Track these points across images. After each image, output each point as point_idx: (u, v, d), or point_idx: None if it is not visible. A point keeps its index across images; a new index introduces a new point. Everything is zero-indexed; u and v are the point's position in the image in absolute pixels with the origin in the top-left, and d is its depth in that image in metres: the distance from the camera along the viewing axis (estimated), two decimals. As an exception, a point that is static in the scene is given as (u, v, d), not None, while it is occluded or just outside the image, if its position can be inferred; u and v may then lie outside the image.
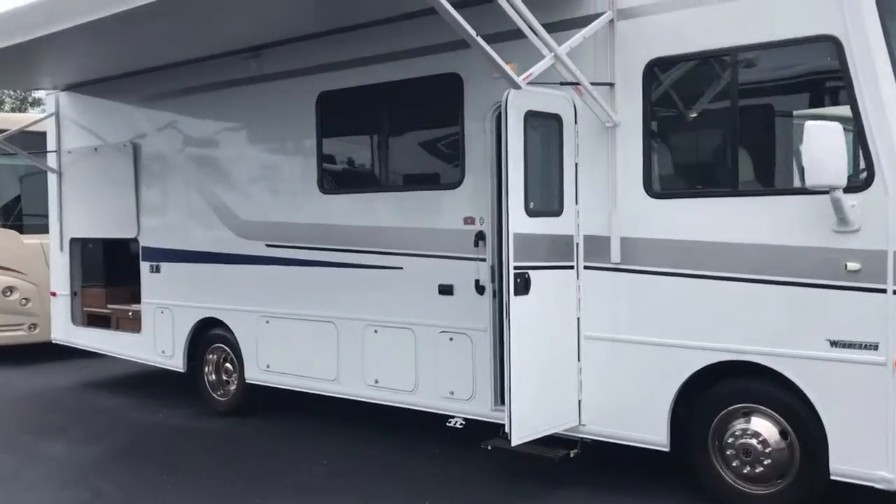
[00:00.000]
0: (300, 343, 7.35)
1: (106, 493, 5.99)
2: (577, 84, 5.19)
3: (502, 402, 6.04)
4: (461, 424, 6.31)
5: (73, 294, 9.76)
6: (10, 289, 11.36)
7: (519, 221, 5.17)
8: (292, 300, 7.39)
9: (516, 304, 5.14)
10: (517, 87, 4.87)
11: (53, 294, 9.99)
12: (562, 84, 5.21)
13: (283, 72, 7.37)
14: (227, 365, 8.26)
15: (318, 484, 6.09)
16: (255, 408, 8.11)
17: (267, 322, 7.61)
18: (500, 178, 5.75)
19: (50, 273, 10.08)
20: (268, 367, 7.63)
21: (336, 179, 7.24)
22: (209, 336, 8.28)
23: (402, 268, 6.60)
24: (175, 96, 8.33)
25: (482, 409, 6.17)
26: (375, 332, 6.79)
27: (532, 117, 5.24)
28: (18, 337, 11.43)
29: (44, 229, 11.67)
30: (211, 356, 8.35)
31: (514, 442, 5.21)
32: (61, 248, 9.79)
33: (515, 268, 5.15)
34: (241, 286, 7.81)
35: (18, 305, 11.38)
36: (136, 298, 9.54)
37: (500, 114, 5.89)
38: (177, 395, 8.99)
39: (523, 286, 5.19)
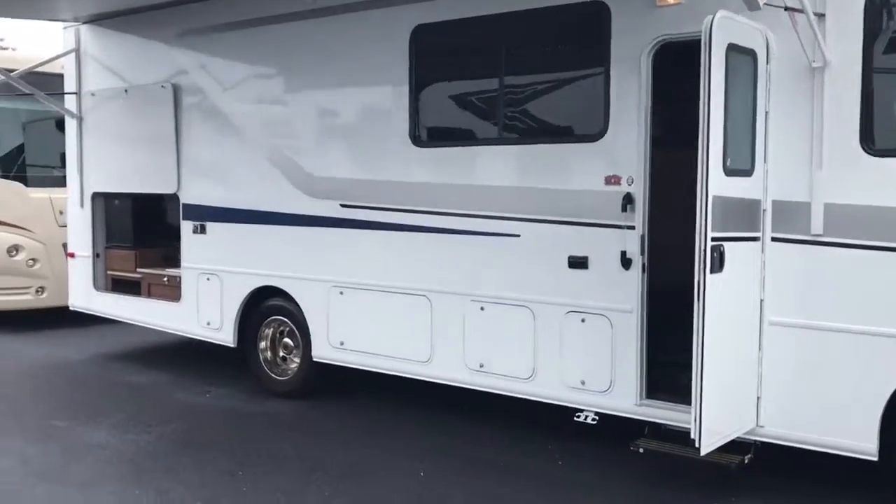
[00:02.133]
0: (383, 318, 6.36)
1: (179, 495, 5.01)
2: (797, 10, 4.19)
3: (649, 396, 5.17)
4: (594, 420, 5.40)
5: (96, 256, 8.64)
6: (16, 248, 10.20)
7: (718, 182, 4.21)
8: (374, 269, 6.38)
9: (711, 284, 4.20)
10: (756, 6, 3.86)
11: (71, 255, 8.87)
12: (786, 9, 4.21)
13: (368, 0, 6.28)
14: (287, 340, 7.25)
15: (432, 486, 5.15)
16: (321, 389, 7.14)
17: (341, 293, 6.61)
18: (652, 129, 4.80)
19: (67, 232, 8.93)
20: (341, 344, 6.64)
21: (434, 130, 6.18)
22: (265, 307, 7.26)
23: (518, 235, 5.61)
24: (229, 30, 7.18)
25: (622, 402, 5.25)
26: (482, 308, 5.82)
27: (732, 52, 4.26)
28: (25, 301, 10.30)
29: (52, 182, 10.59)
30: (266, 330, 7.34)
31: (704, 450, 4.30)
32: (81, 204, 8.64)
33: (712, 239, 4.19)
34: (309, 251, 6.78)
35: (25, 266, 10.23)
36: (169, 262, 8.51)
37: (657, 50, 4.94)
38: (218, 371, 7.98)
39: (718, 261, 4.25)
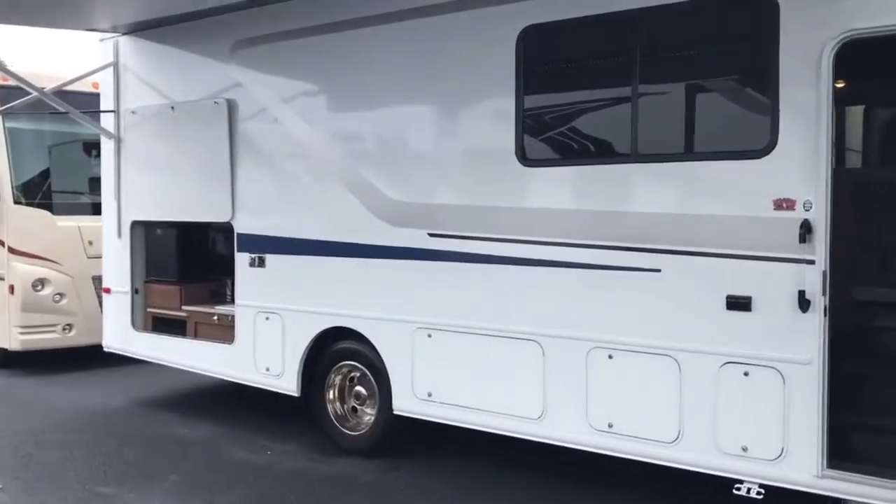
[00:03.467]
0: (482, 366, 5.46)
1: None
2: None
3: (831, 466, 4.24)
4: (759, 493, 4.47)
5: (135, 291, 7.77)
6: (42, 282, 9.34)
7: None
8: (470, 309, 5.49)
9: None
10: None
11: (107, 291, 7.99)
12: None
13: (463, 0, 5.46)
14: (359, 388, 6.35)
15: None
16: (399, 447, 6.23)
17: (429, 336, 5.71)
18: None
19: (102, 264, 8.06)
20: (429, 395, 5.73)
21: (545, 147, 5.31)
22: (334, 351, 6.36)
23: (658, 270, 4.72)
24: (294, 37, 6.35)
25: (797, 474, 4.32)
26: (610, 357, 4.91)
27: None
28: (51, 340, 9.42)
29: (80, 209, 9.78)
30: (335, 377, 6.44)
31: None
32: (119, 234, 7.78)
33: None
34: (390, 287, 5.89)
35: (51, 302, 9.37)
36: (216, 298, 7.65)
37: (840, 48, 4.08)
38: (274, 422, 7.07)
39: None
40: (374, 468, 5.95)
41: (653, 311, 4.75)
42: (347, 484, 5.67)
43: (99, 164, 9.75)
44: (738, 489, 4.51)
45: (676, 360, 4.66)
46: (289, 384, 6.52)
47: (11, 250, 9.29)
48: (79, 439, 6.76)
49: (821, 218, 4.18)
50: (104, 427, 7.14)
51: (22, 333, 9.26)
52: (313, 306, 6.34)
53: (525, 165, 5.22)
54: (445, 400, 5.66)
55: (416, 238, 5.72)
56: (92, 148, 9.90)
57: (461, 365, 5.56)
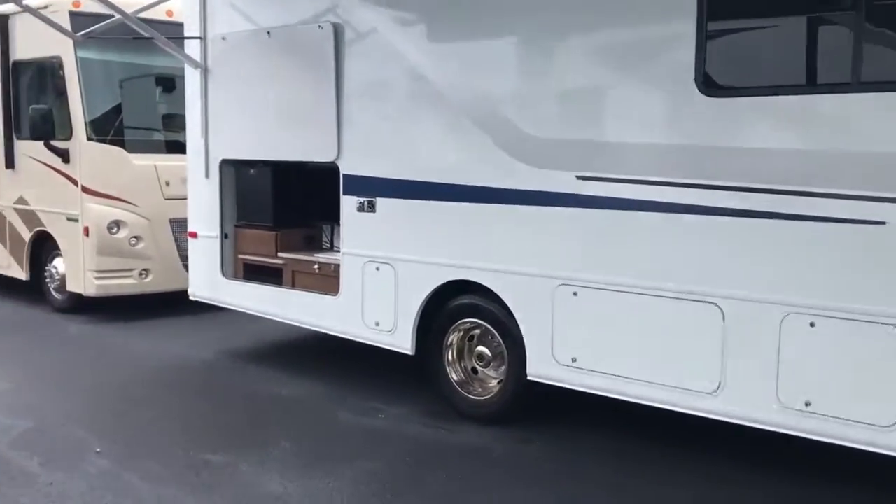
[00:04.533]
0: (640, 331, 4.74)
1: None
2: None
3: None
4: None
5: (224, 236, 7.16)
6: (117, 223, 8.79)
7: None
8: (628, 264, 4.75)
9: None
10: None
11: (193, 235, 7.39)
12: None
13: None
14: (482, 349, 5.68)
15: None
16: (527, 415, 5.58)
17: (574, 294, 4.99)
18: None
19: (188, 207, 7.45)
20: (573, 361, 5.04)
21: (734, 72, 4.49)
22: (455, 307, 5.69)
23: (883, 223, 3.92)
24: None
25: None
26: (811, 325, 4.15)
27: None
28: (127, 286, 8.90)
29: (154, 147, 9.20)
30: (453, 336, 5.79)
31: None
32: (206, 174, 7.14)
33: None
34: (527, 237, 5.16)
35: (127, 245, 8.83)
36: (313, 245, 7.03)
37: None
38: (379, 381, 6.47)
39: None
40: (505, 439, 5.31)
41: (872, 273, 3.96)
42: (481, 458, 5.04)
43: (173, 100, 9.21)
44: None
45: (901, 332, 3.90)
46: (402, 341, 5.88)
47: (85, 190, 8.74)
48: (171, 396, 6.22)
49: None
50: (196, 383, 6.60)
51: (98, 278, 8.76)
52: (432, 256, 5.66)
53: (705, 94, 4.41)
54: (593, 367, 4.96)
55: (562, 181, 4.97)
56: (166, 82, 9.29)
57: (614, 328, 4.85)
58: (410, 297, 5.80)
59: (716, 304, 4.44)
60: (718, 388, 4.47)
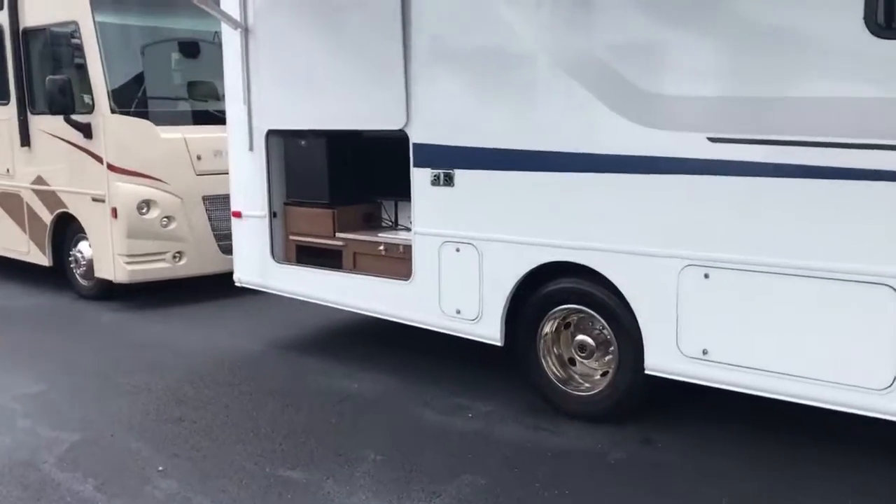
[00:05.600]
0: (789, 318, 4.05)
1: None
2: None
3: None
4: None
5: (273, 215, 6.47)
6: (147, 203, 8.10)
7: None
8: (775, 240, 4.06)
9: None
10: None
11: (237, 215, 6.69)
12: None
13: None
14: (583, 338, 5.03)
15: None
16: (646, 411, 4.94)
17: (706, 276, 4.30)
18: None
19: (230, 183, 6.74)
20: (704, 353, 4.37)
21: None
22: (551, 292, 5.01)
23: None
24: None
25: None
26: None
27: None
28: (160, 270, 8.25)
29: (182, 119, 8.51)
30: (549, 324, 5.12)
31: None
32: (251, 146, 6.43)
33: None
34: (643, 211, 4.47)
35: (159, 226, 8.15)
36: (373, 224, 6.35)
37: None
38: (460, 374, 5.83)
39: None
40: (622, 440, 4.67)
41: None
42: (598, 464, 4.40)
43: (200, 66, 8.50)
44: None
45: None
46: (489, 330, 5.22)
47: (111, 167, 8.04)
48: (229, 396, 5.58)
49: None
50: (253, 379, 5.95)
51: (129, 263, 8.10)
52: (524, 235, 4.97)
53: (881, 37, 3.68)
54: (730, 360, 4.29)
55: (690, 144, 4.26)
56: (192, 46, 8.54)
57: (756, 315, 4.16)
58: (498, 282, 5.13)
59: (888, 286, 3.76)
60: (892, 384, 3.81)
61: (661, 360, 4.54)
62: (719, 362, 4.32)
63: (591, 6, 4.56)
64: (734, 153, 4.13)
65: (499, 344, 5.22)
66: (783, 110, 3.99)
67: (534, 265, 4.97)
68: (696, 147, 4.23)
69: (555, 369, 5.13)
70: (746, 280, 4.16)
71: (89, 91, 8.01)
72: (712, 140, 4.19)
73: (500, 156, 5.01)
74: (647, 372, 4.61)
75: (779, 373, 4.12)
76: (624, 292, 4.64)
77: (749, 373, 4.23)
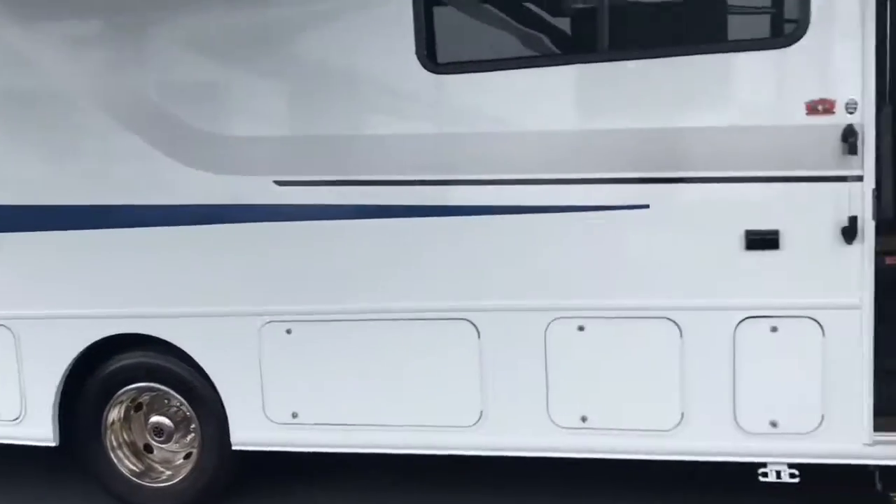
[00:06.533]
0: (377, 364, 3.83)
1: None
2: None
3: (889, 428, 3.47)
4: (794, 476, 3.55)
5: None
6: None
7: None
8: (354, 284, 3.81)
9: None
10: None
11: None
12: None
13: None
14: (159, 420, 4.28)
15: None
16: (238, 494, 4.34)
17: (288, 332, 3.90)
18: None
19: None
20: (294, 416, 3.94)
21: (463, 44, 3.75)
22: (113, 372, 4.20)
23: (647, 206, 3.51)
24: None
25: (841, 445, 3.47)
26: (580, 329, 3.63)
27: None
28: None
29: None
30: (114, 412, 4.29)
31: None
32: None
33: None
34: (214, 267, 3.94)
35: None
36: None
37: None
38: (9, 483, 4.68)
39: None
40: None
41: (643, 261, 3.54)
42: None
43: None
44: (765, 475, 3.57)
45: (677, 323, 3.53)
46: (38, 430, 4.23)
47: None
48: None
49: (868, 122, 3.28)
50: None
51: None
52: (74, 307, 4.11)
53: (430, 70, 3.62)
54: (321, 419, 3.93)
55: (256, 189, 3.83)
56: None
57: (345, 367, 3.87)
58: (45, 369, 4.18)
59: (468, 321, 3.71)
60: (480, 418, 3.76)
61: (249, 432, 4.02)
62: (311, 424, 3.94)
63: (139, 45, 3.94)
64: (305, 196, 3.81)
65: (53, 444, 4.25)
66: (349, 150, 3.77)
67: (89, 343, 4.13)
68: (263, 192, 3.83)
69: (129, 462, 4.32)
70: (328, 331, 3.86)
71: None
72: (279, 183, 3.83)
73: (36, 215, 4.09)
74: (234, 447, 4.05)
75: (380, 424, 3.87)
76: (199, 361, 4.04)
77: (344, 430, 3.91)
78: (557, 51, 3.76)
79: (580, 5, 3.66)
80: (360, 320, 3.82)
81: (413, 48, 3.59)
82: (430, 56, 3.62)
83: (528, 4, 3.75)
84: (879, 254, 3.43)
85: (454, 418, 3.78)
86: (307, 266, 3.86)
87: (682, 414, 3.57)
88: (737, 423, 3.53)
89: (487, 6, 3.79)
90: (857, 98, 3.26)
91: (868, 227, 3.31)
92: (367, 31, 3.67)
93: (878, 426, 3.45)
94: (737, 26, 3.50)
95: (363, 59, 3.70)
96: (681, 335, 3.53)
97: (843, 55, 3.26)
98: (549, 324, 3.63)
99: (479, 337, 3.70)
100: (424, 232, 3.70)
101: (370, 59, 3.69)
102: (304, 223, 3.82)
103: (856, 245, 3.33)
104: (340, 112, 3.75)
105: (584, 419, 3.66)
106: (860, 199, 3.29)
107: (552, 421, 3.68)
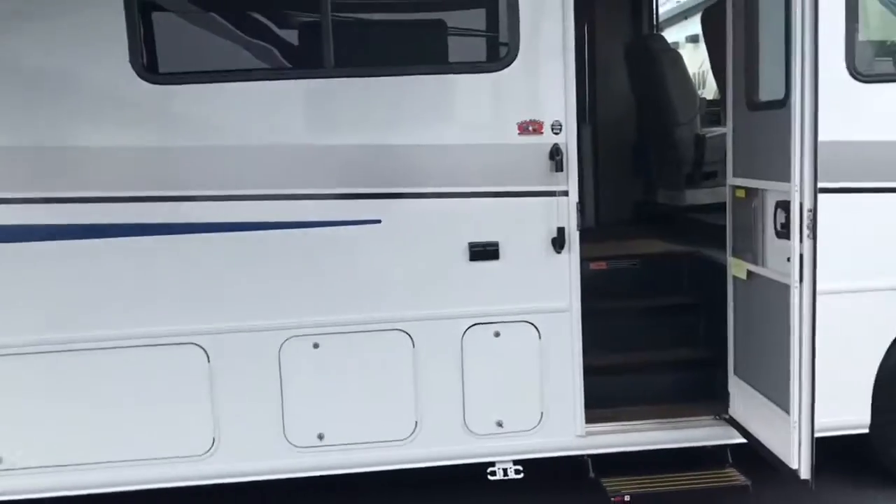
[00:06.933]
0: (98, 398, 3.52)
1: None
2: None
3: (598, 420, 3.83)
4: (519, 472, 3.77)
5: None
6: None
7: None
8: (59, 311, 3.47)
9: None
10: None
11: None
12: None
13: None
14: None
15: None
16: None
17: (-10, 368, 3.47)
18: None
19: None
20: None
21: (183, 54, 3.54)
22: None
23: (378, 221, 3.56)
24: None
25: (559, 439, 3.76)
26: (315, 346, 3.59)
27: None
28: None
29: None
30: None
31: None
32: None
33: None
34: None
35: None
36: None
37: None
38: None
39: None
40: None
41: (374, 276, 3.59)
42: None
43: None
44: (493, 474, 3.76)
45: (409, 335, 3.62)
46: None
47: None
48: None
49: (571, 142, 3.60)
50: None
51: None
52: None
53: (147, 80, 3.39)
54: (32, 462, 3.53)
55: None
56: None
57: (51, 405, 3.51)
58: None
59: (197, 345, 3.53)
60: (212, 447, 3.60)
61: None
62: (24, 468, 3.53)
63: None
64: (8, 216, 3.42)
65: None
66: (59, 163, 3.44)
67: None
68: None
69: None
70: (27, 365, 3.48)
71: None
72: (-23, 202, 3.40)
73: None
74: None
75: (92, 463, 3.55)
76: None
77: (54, 472, 3.54)
78: (287, 64, 3.71)
79: (305, 19, 3.66)
80: (64, 350, 3.49)
81: (127, 56, 3.37)
82: (150, 65, 3.42)
83: (256, 15, 3.68)
84: (585, 260, 3.79)
85: (184, 448, 3.58)
86: (13, 292, 3.47)
87: (416, 422, 3.67)
88: (466, 426, 3.70)
89: (213, 15, 3.66)
90: (562, 119, 3.57)
91: (574, 236, 3.63)
92: (77, 35, 3.39)
93: (590, 418, 3.80)
94: (459, 49, 3.69)
95: (73, 65, 3.40)
96: (413, 346, 3.63)
97: (548, 79, 3.55)
98: (283, 343, 3.57)
99: (208, 361, 3.55)
100: (147, 252, 3.47)
101: (80, 66, 3.40)
102: (10, 245, 3.43)
103: (564, 254, 3.63)
104: (46, 121, 3.42)
105: (320, 437, 3.63)
106: (567, 212, 3.60)
107: (289, 441, 3.62)
